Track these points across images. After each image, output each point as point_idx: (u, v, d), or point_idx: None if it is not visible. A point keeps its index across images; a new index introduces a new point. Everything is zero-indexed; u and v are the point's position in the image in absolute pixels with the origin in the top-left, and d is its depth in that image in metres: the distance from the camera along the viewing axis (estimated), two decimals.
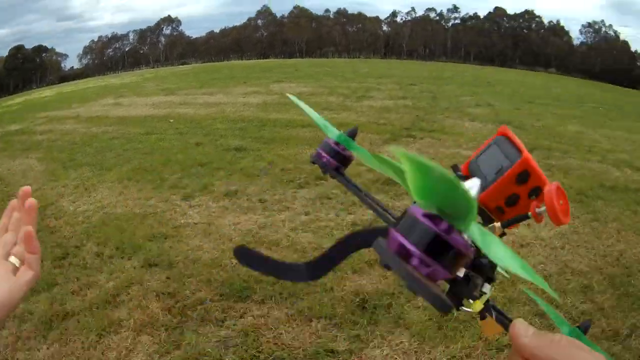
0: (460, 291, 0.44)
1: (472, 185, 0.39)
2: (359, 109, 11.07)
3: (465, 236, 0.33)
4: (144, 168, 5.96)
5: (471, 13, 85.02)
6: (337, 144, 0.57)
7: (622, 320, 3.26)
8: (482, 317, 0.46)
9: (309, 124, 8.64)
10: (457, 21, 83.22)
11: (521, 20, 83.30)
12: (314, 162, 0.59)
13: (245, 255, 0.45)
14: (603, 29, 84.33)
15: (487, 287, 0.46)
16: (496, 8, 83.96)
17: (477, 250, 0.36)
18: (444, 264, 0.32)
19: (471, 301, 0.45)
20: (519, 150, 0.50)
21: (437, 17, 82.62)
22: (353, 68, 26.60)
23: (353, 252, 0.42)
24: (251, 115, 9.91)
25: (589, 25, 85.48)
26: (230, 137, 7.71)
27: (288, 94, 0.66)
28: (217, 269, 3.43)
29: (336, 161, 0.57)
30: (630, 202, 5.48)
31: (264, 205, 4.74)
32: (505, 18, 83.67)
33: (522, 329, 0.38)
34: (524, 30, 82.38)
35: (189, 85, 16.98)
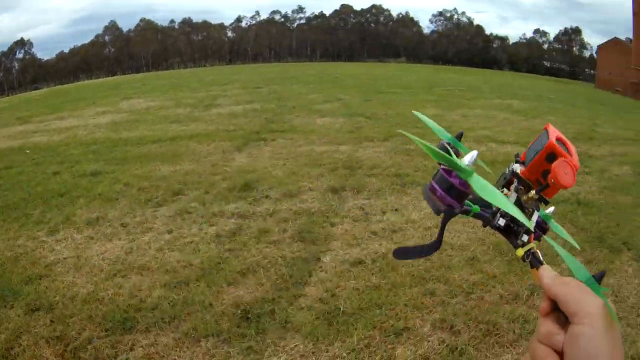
0: (507, 237, 0.63)
1: (470, 155, 0.54)
2: (208, 117, 11.17)
3: (465, 181, 0.54)
4: (7, 206, 5.68)
5: (317, 12, 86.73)
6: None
7: (518, 283, 3.44)
8: (531, 266, 0.58)
9: (159, 139, 8.76)
10: (303, 21, 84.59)
11: (368, 15, 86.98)
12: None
13: (402, 253, 0.68)
14: (456, 16, 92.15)
15: (525, 237, 0.60)
16: (342, 5, 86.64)
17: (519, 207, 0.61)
18: (452, 194, 0.55)
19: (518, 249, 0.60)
20: (549, 138, 0.63)
21: (282, 19, 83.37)
22: (198, 77, 26.93)
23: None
24: (102, 137, 9.66)
25: (440, 14, 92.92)
26: (85, 162, 7.45)
27: (414, 112, 0.72)
28: (96, 303, 3.32)
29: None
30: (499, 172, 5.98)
31: (126, 229, 4.64)
32: (352, 14, 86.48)
33: (546, 273, 0.51)
34: (372, 24, 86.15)
35: (41, 111, 15.97)
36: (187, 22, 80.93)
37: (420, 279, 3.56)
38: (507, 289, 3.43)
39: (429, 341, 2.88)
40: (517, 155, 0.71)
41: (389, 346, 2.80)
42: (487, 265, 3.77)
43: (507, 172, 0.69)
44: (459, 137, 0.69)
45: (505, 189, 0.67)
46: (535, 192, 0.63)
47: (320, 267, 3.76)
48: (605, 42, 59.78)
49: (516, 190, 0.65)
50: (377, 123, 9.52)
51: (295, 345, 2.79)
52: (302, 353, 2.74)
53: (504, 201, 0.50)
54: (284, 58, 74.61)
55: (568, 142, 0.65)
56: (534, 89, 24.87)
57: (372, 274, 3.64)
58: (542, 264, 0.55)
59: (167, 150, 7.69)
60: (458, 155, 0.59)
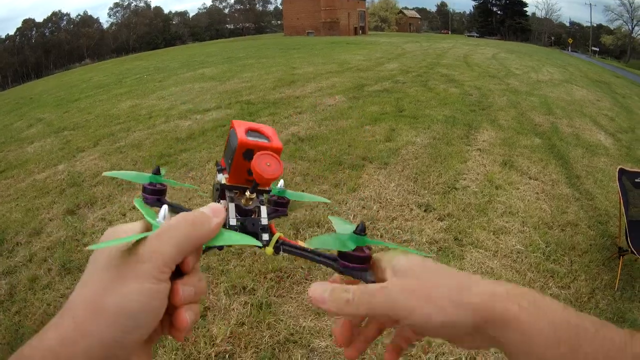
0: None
1: (162, 210, 0.48)
2: None
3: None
4: None
5: (3, 35, 79.25)
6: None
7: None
8: (277, 252, 0.56)
9: None
10: None
11: (50, 25, 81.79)
12: None
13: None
14: (133, 3, 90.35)
15: (265, 236, 0.57)
16: (24, 21, 79.98)
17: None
18: None
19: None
20: (237, 136, 0.57)
21: None
22: None
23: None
24: None
25: (116, 5, 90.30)
26: None
27: (105, 173, 0.68)
28: None
29: None
30: (216, 138, 6.39)
31: None
32: (34, 28, 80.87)
33: (318, 294, 0.44)
34: (54, 33, 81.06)
35: None
36: None
37: None
38: None
39: None
40: (217, 164, 0.65)
41: None
42: None
43: (216, 184, 0.61)
44: (157, 171, 0.66)
45: (222, 201, 0.59)
46: (250, 192, 0.58)
47: None
48: None
49: (232, 200, 0.58)
50: (82, 132, 8.77)
51: None
52: None
53: (226, 238, 0.47)
54: None
55: (262, 127, 0.60)
56: (222, 54, 26.03)
57: None
58: (301, 250, 0.54)
59: None
60: None
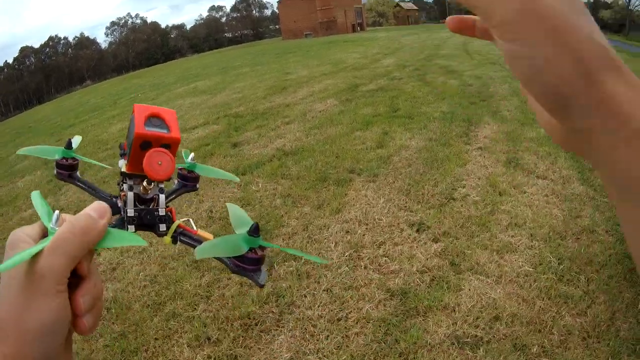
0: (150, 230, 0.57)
1: (54, 216, 0.46)
2: None
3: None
4: None
5: (1, 63, 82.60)
6: None
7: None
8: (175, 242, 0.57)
9: None
10: None
11: (47, 50, 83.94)
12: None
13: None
14: (130, 20, 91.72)
15: (162, 227, 0.55)
16: (22, 48, 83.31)
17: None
18: None
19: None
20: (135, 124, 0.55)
21: None
22: None
23: None
24: None
25: (112, 24, 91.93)
26: None
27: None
28: None
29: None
30: (197, 159, 5.80)
31: None
32: (32, 54, 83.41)
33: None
34: (52, 58, 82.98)
35: None
36: None
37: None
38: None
39: None
40: (120, 147, 0.62)
41: None
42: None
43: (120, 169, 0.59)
44: (69, 146, 0.69)
45: (124, 186, 0.57)
46: (148, 182, 0.56)
47: None
48: None
49: (131, 189, 0.56)
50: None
51: None
52: None
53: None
54: None
55: (162, 112, 0.55)
56: (218, 64, 25.89)
57: None
58: (197, 242, 0.54)
59: None
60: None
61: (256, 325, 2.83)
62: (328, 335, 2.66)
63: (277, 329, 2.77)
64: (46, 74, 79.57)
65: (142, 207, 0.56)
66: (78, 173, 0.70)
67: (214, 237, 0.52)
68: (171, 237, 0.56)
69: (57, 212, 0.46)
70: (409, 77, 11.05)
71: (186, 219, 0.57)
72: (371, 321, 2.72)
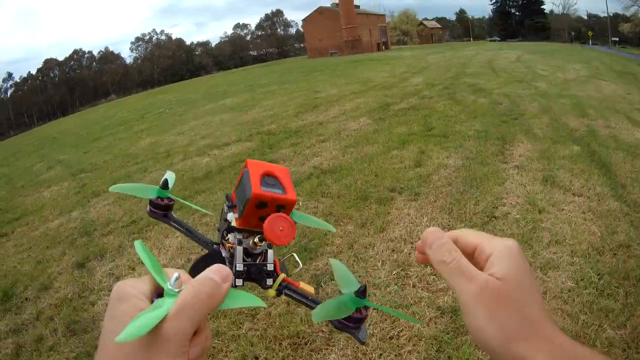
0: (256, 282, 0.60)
1: (173, 277, 0.46)
2: None
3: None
4: None
5: (25, 74, 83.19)
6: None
7: None
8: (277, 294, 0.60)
9: None
10: (13, 89, 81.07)
11: (72, 63, 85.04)
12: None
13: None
14: (155, 37, 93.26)
15: (269, 281, 0.58)
16: (46, 60, 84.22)
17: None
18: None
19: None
20: (251, 183, 0.56)
21: None
22: None
23: None
24: None
25: (137, 39, 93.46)
26: None
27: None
28: None
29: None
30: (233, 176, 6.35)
31: None
32: (57, 67, 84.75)
33: (432, 239, 0.54)
34: (77, 71, 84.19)
35: None
36: None
37: None
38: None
39: None
40: (227, 198, 0.64)
41: None
42: None
43: (222, 221, 0.62)
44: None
45: (230, 236, 0.59)
46: (259, 239, 0.58)
47: None
48: (310, 13, 67.14)
49: (240, 243, 0.58)
50: (99, 174, 8.92)
51: None
52: None
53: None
54: (4, 134, 68.58)
55: (277, 171, 0.58)
56: (245, 81, 26.23)
57: None
58: (301, 296, 0.58)
59: None
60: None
61: (306, 344, 2.87)
62: (381, 354, 2.71)
63: (327, 348, 2.82)
64: (70, 86, 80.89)
65: (250, 261, 0.58)
66: (172, 212, 0.70)
67: (313, 290, 0.58)
68: (275, 291, 0.58)
69: (176, 274, 0.47)
70: (439, 96, 11.22)
71: (290, 255, 0.59)
72: (423, 339, 2.79)
